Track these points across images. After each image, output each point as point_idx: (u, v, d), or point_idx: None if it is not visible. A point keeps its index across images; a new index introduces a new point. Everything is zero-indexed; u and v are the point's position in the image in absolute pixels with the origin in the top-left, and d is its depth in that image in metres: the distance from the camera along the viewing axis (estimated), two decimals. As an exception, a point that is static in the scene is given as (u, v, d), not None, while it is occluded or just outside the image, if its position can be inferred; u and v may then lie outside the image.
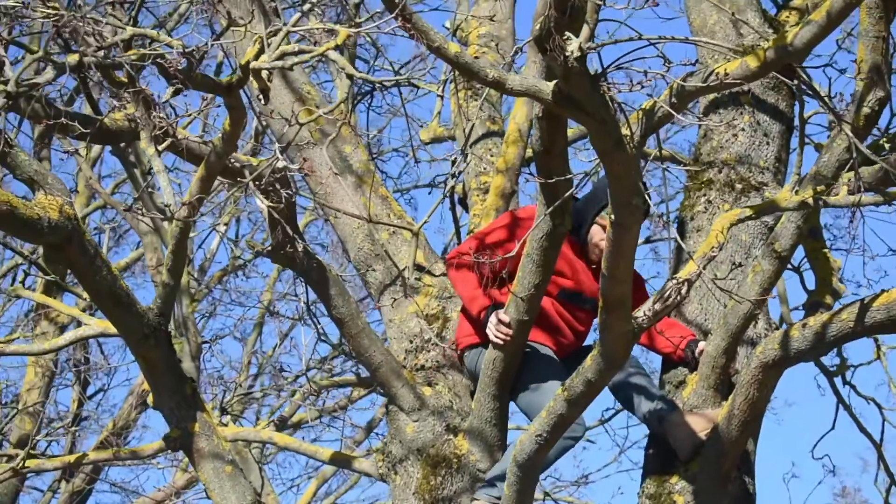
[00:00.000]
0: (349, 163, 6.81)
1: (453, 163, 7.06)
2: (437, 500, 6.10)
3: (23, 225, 4.88)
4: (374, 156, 11.54)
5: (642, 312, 4.98)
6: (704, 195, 6.43)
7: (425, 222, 6.66)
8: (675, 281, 4.90)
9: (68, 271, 8.34)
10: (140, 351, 5.47)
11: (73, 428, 12.43)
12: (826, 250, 6.78)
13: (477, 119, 7.32)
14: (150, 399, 5.65)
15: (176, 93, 4.52)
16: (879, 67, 5.32)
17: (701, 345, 6.01)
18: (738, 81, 4.48)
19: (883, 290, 5.06)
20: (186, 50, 4.16)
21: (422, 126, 8.89)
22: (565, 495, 13.43)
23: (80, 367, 12.48)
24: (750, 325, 5.81)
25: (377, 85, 9.03)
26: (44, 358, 11.94)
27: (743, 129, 6.50)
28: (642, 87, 4.28)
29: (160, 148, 5.27)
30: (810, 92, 5.06)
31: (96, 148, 13.01)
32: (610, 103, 4.35)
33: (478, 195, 7.11)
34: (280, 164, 4.84)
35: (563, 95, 4.38)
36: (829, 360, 8.56)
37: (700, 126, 6.66)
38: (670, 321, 6.18)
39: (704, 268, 4.94)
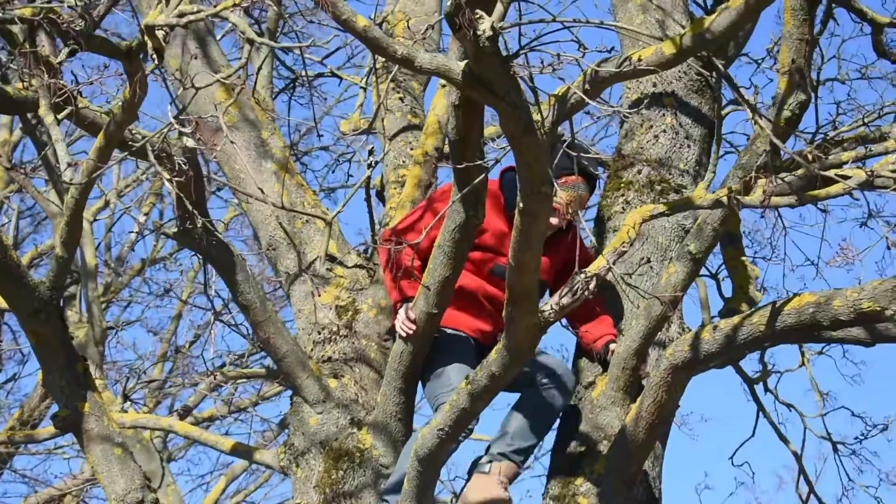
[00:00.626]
0: (266, 149, 6.65)
1: (370, 152, 6.90)
2: (338, 495, 5.95)
3: None
4: (295, 151, 11.34)
5: (549, 306, 4.85)
6: (623, 195, 6.32)
7: (339, 212, 6.50)
8: (584, 275, 4.78)
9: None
10: (30, 326, 5.26)
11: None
12: (744, 258, 6.70)
13: (398, 112, 7.18)
14: (39, 376, 5.43)
15: (72, 53, 4.32)
16: (802, 70, 5.23)
17: (613, 346, 5.89)
18: (652, 69, 4.35)
19: (795, 294, 4.97)
20: (80, 4, 3.96)
21: (343, 118, 8.72)
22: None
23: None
24: (662, 326, 5.69)
25: (299, 76, 8.86)
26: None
27: (665, 131, 6.40)
28: (553, 69, 4.15)
29: (60, 116, 5.08)
30: (728, 85, 4.95)
31: (17, 132, 12.75)
32: (521, 87, 4.22)
33: (395, 188, 6.96)
34: (181, 137, 4.66)
35: (473, 76, 4.24)
36: (753, 368, 8.54)
37: (622, 125, 6.56)
38: (603, 317, 6.03)
39: (615, 263, 4.82)
